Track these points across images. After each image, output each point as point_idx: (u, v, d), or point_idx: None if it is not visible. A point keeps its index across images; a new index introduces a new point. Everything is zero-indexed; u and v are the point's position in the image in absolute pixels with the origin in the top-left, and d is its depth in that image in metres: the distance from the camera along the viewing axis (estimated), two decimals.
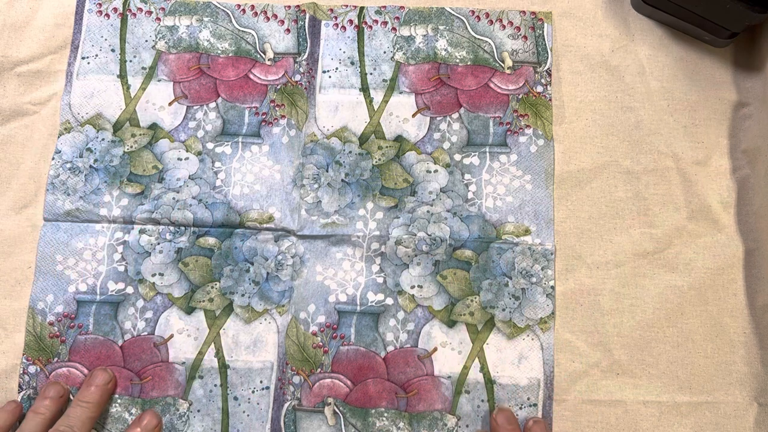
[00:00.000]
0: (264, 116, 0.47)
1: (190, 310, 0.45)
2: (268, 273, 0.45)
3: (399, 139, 0.47)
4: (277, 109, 0.47)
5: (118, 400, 0.44)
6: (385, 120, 0.47)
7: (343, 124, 0.47)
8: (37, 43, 0.50)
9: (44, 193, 0.48)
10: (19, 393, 0.44)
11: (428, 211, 0.46)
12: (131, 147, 0.47)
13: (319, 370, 0.44)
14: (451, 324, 0.45)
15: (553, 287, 0.45)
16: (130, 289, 0.45)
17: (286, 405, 0.44)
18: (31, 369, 0.45)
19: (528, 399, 0.44)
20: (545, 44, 0.48)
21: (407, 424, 0.44)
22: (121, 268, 0.46)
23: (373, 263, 0.46)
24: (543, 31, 0.48)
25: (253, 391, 0.44)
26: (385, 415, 0.44)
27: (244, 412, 0.44)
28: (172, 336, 0.45)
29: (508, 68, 0.48)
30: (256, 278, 0.45)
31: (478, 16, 0.48)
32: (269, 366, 0.44)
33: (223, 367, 0.44)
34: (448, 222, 0.46)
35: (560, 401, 0.45)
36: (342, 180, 0.46)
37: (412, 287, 0.45)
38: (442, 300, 0.45)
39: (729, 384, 0.45)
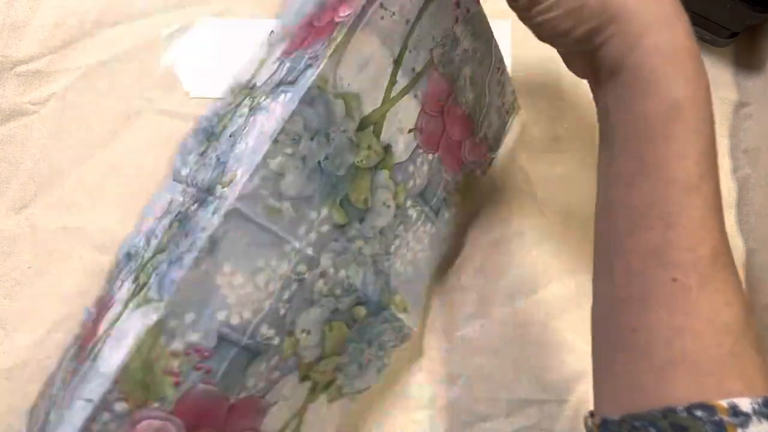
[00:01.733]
0: None
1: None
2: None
3: (387, 149, 0.36)
4: None
5: None
6: (390, 117, 0.36)
7: (359, 90, 0.33)
8: (37, 43, 0.50)
9: (43, 193, 0.48)
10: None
11: (360, 249, 0.36)
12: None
13: (156, 404, 0.30)
14: (302, 378, 0.36)
15: (385, 364, 0.41)
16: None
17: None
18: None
19: None
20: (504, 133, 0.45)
21: None
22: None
23: (288, 289, 0.33)
24: (509, 122, 0.45)
25: None
26: None
27: None
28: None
29: (479, 138, 0.42)
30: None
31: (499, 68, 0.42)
32: None
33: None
34: (365, 269, 0.37)
35: (560, 401, 0.45)
36: (318, 162, 0.33)
37: (302, 331, 0.35)
38: (313, 353, 0.36)
39: None
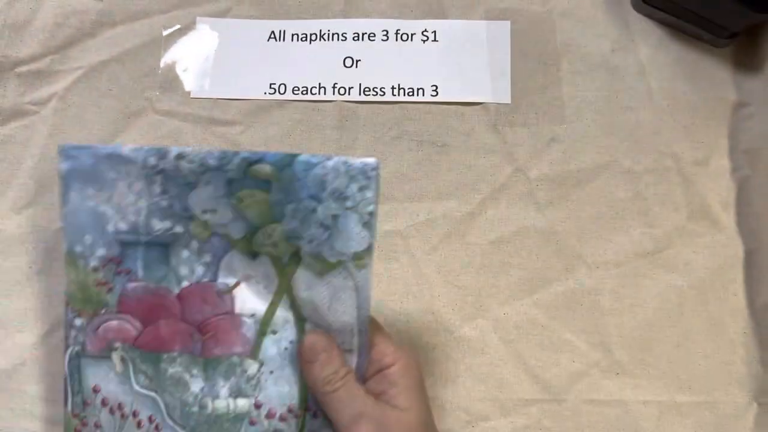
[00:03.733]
0: None
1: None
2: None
3: None
4: None
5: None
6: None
7: None
8: (37, 43, 0.50)
9: (44, 193, 0.48)
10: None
11: None
12: None
13: (103, 310, 0.38)
14: (253, 255, 0.37)
15: (371, 214, 0.36)
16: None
17: (68, 351, 0.38)
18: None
19: (342, 343, 0.37)
20: None
21: (201, 371, 0.37)
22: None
23: (153, 183, 0.37)
24: None
25: None
26: (178, 360, 0.37)
27: None
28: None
29: None
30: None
31: None
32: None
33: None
34: None
35: (560, 401, 0.45)
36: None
37: (204, 212, 0.37)
38: (240, 227, 0.37)
39: (729, 384, 0.45)
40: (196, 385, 0.37)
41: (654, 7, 0.49)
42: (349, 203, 0.36)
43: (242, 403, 0.37)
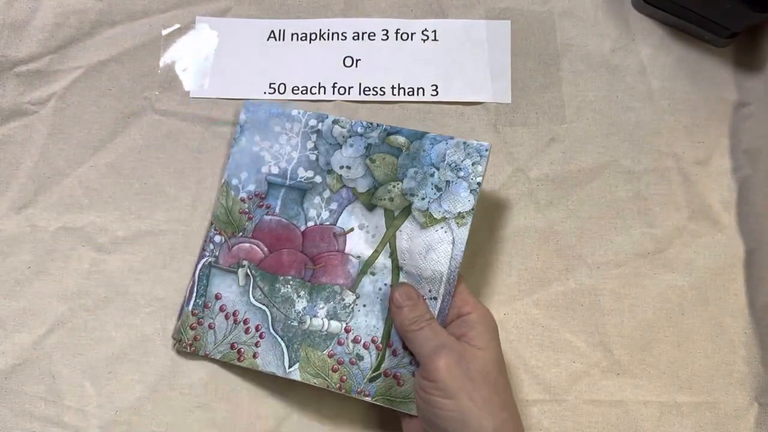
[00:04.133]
0: None
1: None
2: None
3: None
4: None
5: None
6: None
7: None
8: (37, 43, 0.50)
9: (44, 193, 0.48)
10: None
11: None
12: None
13: (240, 234, 0.46)
14: (371, 208, 0.45)
15: (479, 183, 0.43)
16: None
17: (203, 261, 0.46)
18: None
19: (429, 291, 0.42)
20: None
21: (307, 293, 0.44)
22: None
23: (308, 140, 0.47)
24: None
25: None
26: (291, 282, 0.45)
27: None
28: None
29: None
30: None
31: None
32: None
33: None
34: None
35: (560, 401, 0.45)
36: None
37: (341, 167, 0.46)
38: (366, 183, 0.45)
39: (729, 384, 0.45)
40: (300, 304, 0.45)
41: (655, 6, 0.48)
42: (462, 173, 0.43)
43: (335, 325, 0.44)
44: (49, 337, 0.46)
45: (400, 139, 0.45)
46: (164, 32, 0.51)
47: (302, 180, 0.46)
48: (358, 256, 0.44)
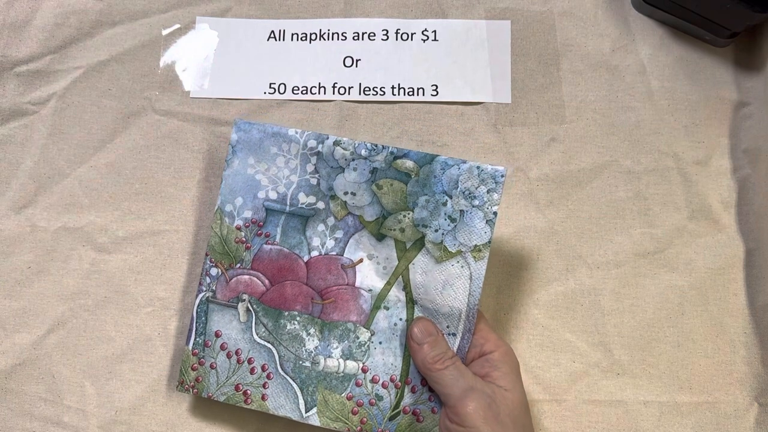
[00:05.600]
0: None
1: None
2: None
3: None
4: None
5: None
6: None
7: None
8: (37, 43, 0.50)
9: (44, 193, 0.48)
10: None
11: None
12: None
13: (238, 265, 0.43)
14: (380, 237, 0.42)
15: (495, 213, 0.41)
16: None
17: (200, 296, 0.43)
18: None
19: (447, 327, 0.41)
20: None
21: (318, 331, 0.42)
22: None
23: (308, 162, 0.43)
24: None
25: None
26: (298, 318, 0.42)
27: None
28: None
29: None
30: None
31: None
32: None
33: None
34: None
35: (560, 401, 0.45)
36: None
37: (345, 193, 0.42)
38: (374, 211, 0.42)
39: (729, 384, 0.45)
40: (311, 343, 0.42)
41: (655, 6, 0.48)
42: (476, 202, 0.41)
43: (351, 365, 0.42)
44: (49, 337, 0.46)
45: (408, 164, 0.42)
46: (164, 32, 0.51)
47: (303, 206, 0.43)
48: (370, 290, 0.42)
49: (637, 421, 0.45)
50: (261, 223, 0.43)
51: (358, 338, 0.42)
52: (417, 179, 0.42)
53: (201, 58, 0.51)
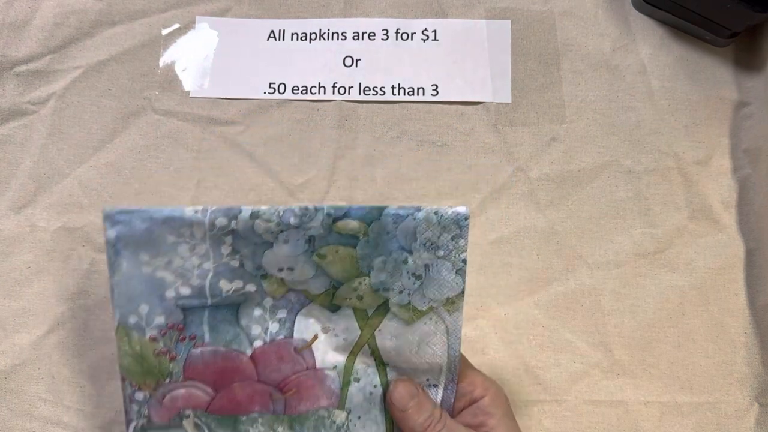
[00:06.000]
0: None
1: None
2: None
3: None
4: None
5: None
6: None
7: None
8: (37, 43, 0.50)
9: (43, 193, 0.48)
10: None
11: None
12: None
13: (167, 380, 0.35)
14: (334, 308, 0.36)
15: (464, 261, 0.35)
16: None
17: (132, 426, 0.35)
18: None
19: (428, 380, 0.37)
20: None
21: (287, 428, 0.36)
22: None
23: (221, 244, 0.35)
24: None
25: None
26: (260, 420, 0.36)
27: None
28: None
29: None
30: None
31: None
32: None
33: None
34: None
35: (560, 401, 0.45)
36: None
37: (281, 270, 0.35)
38: (321, 283, 0.36)
39: (730, 384, 0.45)
40: None
41: (655, 6, 0.48)
42: (441, 252, 0.35)
43: None
44: (49, 337, 0.46)
45: (353, 224, 0.35)
46: (164, 32, 0.51)
47: (229, 293, 0.35)
48: (334, 366, 0.37)
49: (638, 422, 0.45)
50: (181, 326, 0.35)
51: (334, 422, 0.37)
52: (367, 240, 0.35)
53: (201, 58, 0.51)
